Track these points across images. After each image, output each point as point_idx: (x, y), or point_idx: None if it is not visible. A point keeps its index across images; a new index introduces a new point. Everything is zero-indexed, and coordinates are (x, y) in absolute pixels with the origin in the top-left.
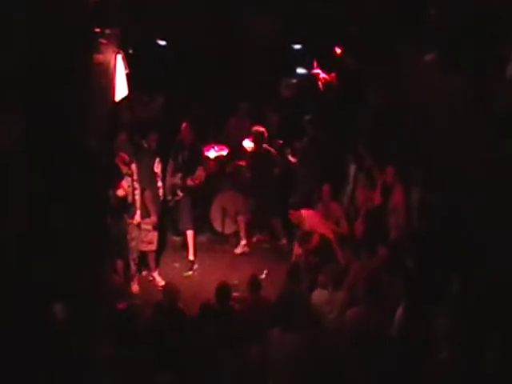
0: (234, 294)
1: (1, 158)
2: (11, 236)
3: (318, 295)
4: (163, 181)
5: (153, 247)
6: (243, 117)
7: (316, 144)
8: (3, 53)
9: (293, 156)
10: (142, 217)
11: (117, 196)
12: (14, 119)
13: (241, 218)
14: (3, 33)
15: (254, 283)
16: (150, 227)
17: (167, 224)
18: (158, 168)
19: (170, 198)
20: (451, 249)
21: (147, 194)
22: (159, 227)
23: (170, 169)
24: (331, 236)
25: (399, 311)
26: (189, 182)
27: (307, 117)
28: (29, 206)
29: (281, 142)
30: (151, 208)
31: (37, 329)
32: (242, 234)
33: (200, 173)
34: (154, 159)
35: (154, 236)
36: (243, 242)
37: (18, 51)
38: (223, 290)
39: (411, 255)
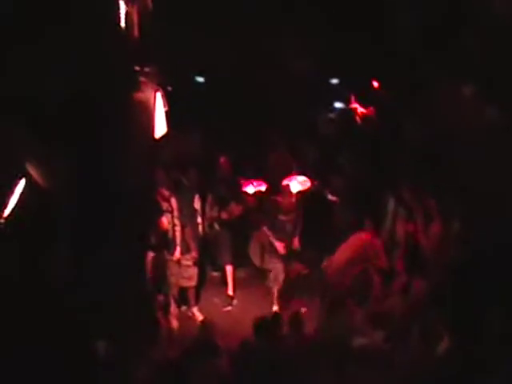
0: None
1: (44, 199)
2: (58, 275)
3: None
4: (202, 217)
5: (193, 283)
6: (283, 153)
7: (354, 181)
8: (51, 90)
9: (332, 194)
10: (182, 253)
11: (157, 233)
12: (59, 159)
13: None
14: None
15: (296, 320)
16: (190, 263)
17: (206, 259)
18: (197, 204)
19: (207, 231)
20: (491, 281)
21: (188, 230)
22: (199, 262)
23: (208, 203)
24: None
25: (444, 344)
26: (223, 215)
27: (343, 155)
28: (73, 243)
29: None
30: (192, 244)
31: (81, 364)
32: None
33: (233, 207)
34: (194, 195)
35: (194, 272)
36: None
37: (66, 89)
38: (262, 325)
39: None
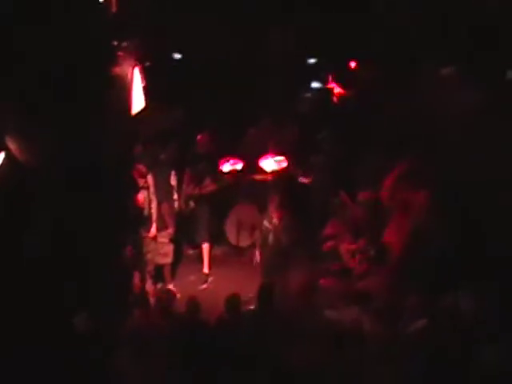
0: (250, 307)
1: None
2: (38, 249)
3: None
4: (179, 193)
5: (169, 260)
6: (263, 130)
7: (331, 160)
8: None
9: (305, 177)
10: (159, 229)
11: (133, 209)
12: (38, 134)
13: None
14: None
15: (265, 293)
16: (166, 240)
17: (182, 237)
18: (173, 180)
19: (184, 208)
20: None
21: (164, 206)
22: (175, 240)
23: (186, 179)
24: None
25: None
26: (197, 191)
27: (322, 134)
28: (52, 218)
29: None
30: (168, 220)
31: (60, 338)
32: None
33: (207, 183)
34: (171, 171)
35: (170, 249)
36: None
37: (44, 63)
38: (232, 301)
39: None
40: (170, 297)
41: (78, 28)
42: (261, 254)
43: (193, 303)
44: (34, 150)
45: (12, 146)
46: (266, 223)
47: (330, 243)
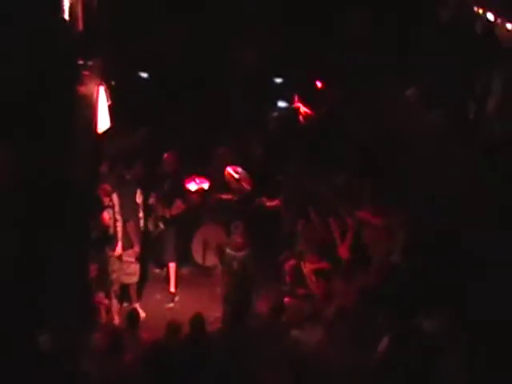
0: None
1: None
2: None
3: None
4: (144, 211)
5: (135, 279)
6: (227, 150)
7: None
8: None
9: (270, 199)
10: (124, 248)
11: (98, 228)
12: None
13: None
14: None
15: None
16: (132, 259)
17: (149, 256)
18: (139, 199)
19: (152, 229)
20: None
21: (130, 224)
22: (141, 259)
23: (153, 200)
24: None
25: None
26: (168, 213)
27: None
28: (12, 236)
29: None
30: (134, 239)
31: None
32: None
33: (178, 204)
34: (136, 190)
35: (136, 268)
36: None
37: (9, 81)
38: (196, 321)
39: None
40: (136, 316)
41: (43, 46)
42: (224, 280)
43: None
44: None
45: None
46: (229, 250)
47: (290, 263)
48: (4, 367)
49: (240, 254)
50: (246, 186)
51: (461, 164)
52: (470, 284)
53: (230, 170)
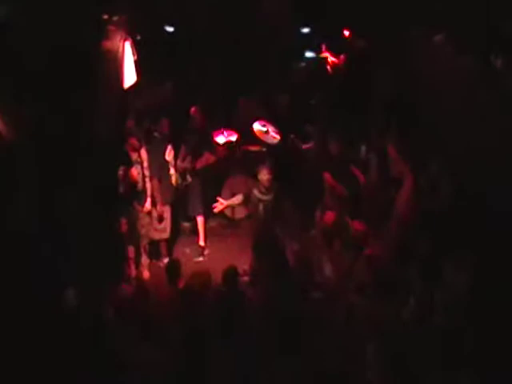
0: (245, 279)
1: (10, 146)
2: (22, 223)
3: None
4: (175, 168)
5: (165, 235)
6: (255, 100)
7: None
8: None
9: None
10: (153, 205)
11: (127, 183)
12: (27, 108)
13: None
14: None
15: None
16: (162, 215)
17: (178, 210)
18: (169, 155)
19: (180, 182)
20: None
21: (155, 182)
22: (172, 215)
23: (180, 154)
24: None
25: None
26: (196, 165)
27: (316, 99)
28: (39, 193)
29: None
30: (158, 197)
31: (49, 314)
32: None
33: (206, 157)
34: (166, 146)
35: (166, 225)
36: None
37: (33, 37)
38: (230, 274)
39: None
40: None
41: (67, 2)
42: (251, 225)
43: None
44: (23, 125)
45: None
46: (256, 192)
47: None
48: (31, 327)
49: (266, 197)
50: (275, 136)
51: (487, 114)
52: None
53: (257, 125)
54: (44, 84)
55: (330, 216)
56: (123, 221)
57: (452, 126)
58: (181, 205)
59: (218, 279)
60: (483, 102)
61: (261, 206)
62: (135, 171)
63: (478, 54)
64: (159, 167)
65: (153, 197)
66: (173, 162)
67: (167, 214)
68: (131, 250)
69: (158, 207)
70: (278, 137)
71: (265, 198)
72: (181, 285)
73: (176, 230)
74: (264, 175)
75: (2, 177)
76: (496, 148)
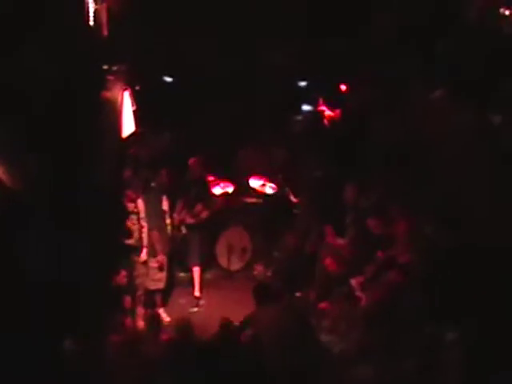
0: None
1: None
2: (27, 274)
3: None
4: (171, 218)
5: (161, 285)
6: (252, 152)
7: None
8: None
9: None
10: (149, 256)
11: (123, 234)
12: (28, 158)
13: None
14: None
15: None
16: (157, 266)
17: (174, 260)
18: (165, 205)
19: (175, 234)
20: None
21: (155, 233)
22: (168, 265)
23: (178, 205)
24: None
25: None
26: (187, 219)
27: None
28: (44, 242)
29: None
30: (158, 247)
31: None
32: None
33: (198, 209)
34: (162, 197)
35: (162, 275)
36: None
37: (35, 87)
38: (226, 327)
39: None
40: (158, 321)
41: (68, 51)
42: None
43: (183, 325)
44: (21, 175)
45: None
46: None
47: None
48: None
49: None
50: (273, 187)
51: (485, 169)
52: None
53: (253, 182)
54: (46, 133)
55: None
56: (123, 273)
57: (448, 178)
58: (177, 255)
59: (213, 330)
60: (481, 156)
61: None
62: (131, 222)
63: (476, 109)
64: (157, 217)
65: (152, 247)
66: (168, 212)
67: (165, 265)
68: (127, 300)
69: (159, 257)
70: (275, 187)
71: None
72: (164, 337)
73: (171, 280)
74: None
75: (10, 224)
76: (493, 201)
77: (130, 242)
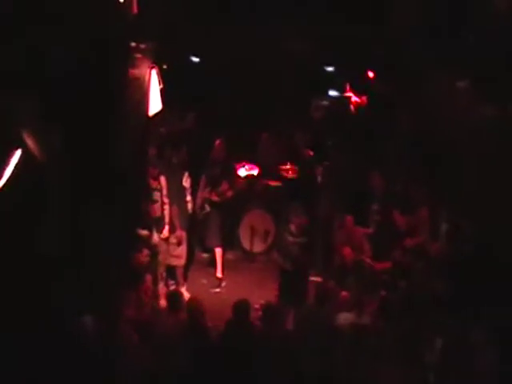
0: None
1: (39, 171)
2: (49, 247)
3: (344, 318)
4: (193, 195)
5: (181, 262)
6: (277, 136)
7: (336, 168)
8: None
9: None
10: (171, 231)
11: (146, 210)
12: (55, 132)
13: None
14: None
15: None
16: (175, 242)
17: (195, 239)
18: (186, 182)
19: (198, 211)
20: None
21: (174, 208)
22: (188, 242)
23: (202, 183)
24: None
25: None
26: (213, 196)
27: (330, 142)
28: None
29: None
30: (177, 223)
31: (66, 339)
32: None
33: (224, 188)
34: (183, 174)
35: (182, 250)
36: None
37: (63, 63)
38: (241, 307)
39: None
40: (180, 299)
41: (97, 28)
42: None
43: (194, 305)
44: (50, 148)
45: (29, 142)
46: (287, 235)
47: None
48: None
49: (299, 240)
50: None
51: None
52: None
53: (276, 166)
54: (74, 109)
55: (347, 252)
56: (145, 251)
57: (472, 170)
58: (198, 234)
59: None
60: (500, 148)
61: (294, 249)
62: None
63: (497, 102)
64: (176, 193)
65: (171, 223)
66: (189, 189)
67: (183, 240)
68: (149, 279)
69: (178, 232)
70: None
71: (298, 240)
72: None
73: (192, 259)
74: (297, 222)
75: (31, 198)
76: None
77: (153, 218)
